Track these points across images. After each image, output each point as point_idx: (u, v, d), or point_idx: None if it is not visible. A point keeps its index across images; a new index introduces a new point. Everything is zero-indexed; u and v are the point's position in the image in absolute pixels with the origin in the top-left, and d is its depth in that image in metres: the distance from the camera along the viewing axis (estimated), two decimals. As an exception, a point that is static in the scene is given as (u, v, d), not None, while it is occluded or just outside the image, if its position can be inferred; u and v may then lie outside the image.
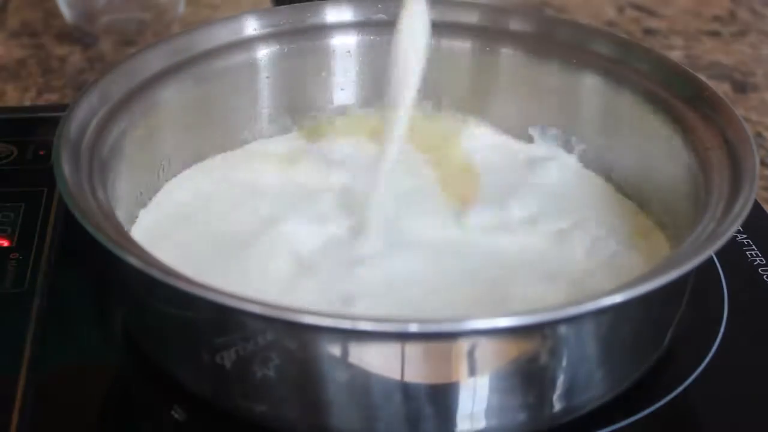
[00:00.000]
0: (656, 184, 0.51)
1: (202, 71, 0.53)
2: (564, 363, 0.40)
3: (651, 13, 0.85)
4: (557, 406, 0.41)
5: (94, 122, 0.46)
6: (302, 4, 0.56)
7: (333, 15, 0.56)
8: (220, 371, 0.40)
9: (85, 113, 0.46)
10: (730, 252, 0.51)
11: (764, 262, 0.52)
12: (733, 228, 0.40)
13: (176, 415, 0.43)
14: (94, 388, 0.45)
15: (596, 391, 0.42)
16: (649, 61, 0.52)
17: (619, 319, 0.41)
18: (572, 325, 0.39)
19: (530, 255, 0.48)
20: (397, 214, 0.49)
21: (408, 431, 0.40)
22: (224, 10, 0.80)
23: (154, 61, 0.51)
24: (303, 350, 0.39)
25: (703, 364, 0.46)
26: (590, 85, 0.54)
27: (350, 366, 0.39)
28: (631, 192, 0.52)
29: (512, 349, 0.39)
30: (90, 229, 0.39)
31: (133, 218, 0.49)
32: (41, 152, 0.58)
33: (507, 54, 0.56)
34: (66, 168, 0.42)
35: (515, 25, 0.56)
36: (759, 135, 0.68)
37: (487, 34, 0.56)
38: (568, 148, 0.55)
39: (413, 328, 0.37)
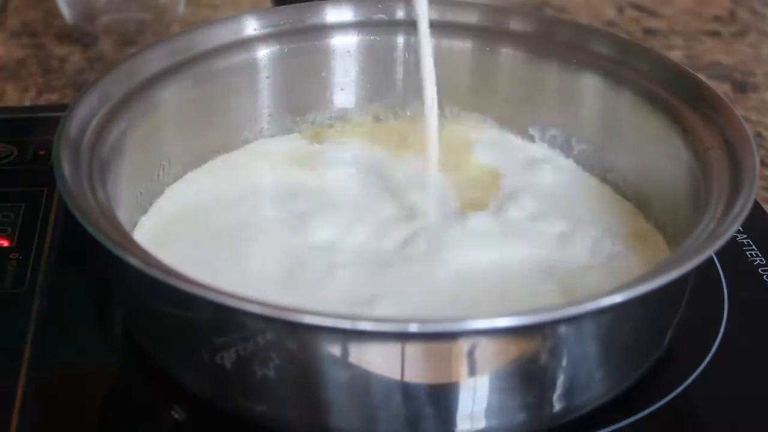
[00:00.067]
0: (656, 184, 0.51)
1: (202, 71, 0.53)
2: (564, 363, 0.40)
3: (651, 13, 0.85)
4: (557, 406, 0.41)
5: (94, 122, 0.46)
6: (302, 4, 0.56)
7: (333, 15, 0.56)
8: (220, 371, 0.40)
9: (85, 113, 0.46)
10: (730, 252, 0.51)
11: (764, 262, 0.52)
12: (733, 228, 0.40)
13: (176, 415, 0.43)
14: (94, 388, 0.45)
15: (596, 391, 0.42)
16: (649, 61, 0.52)
17: (619, 319, 0.41)
18: (572, 325, 0.39)
19: (531, 257, 0.48)
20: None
21: (408, 431, 0.40)
22: (224, 10, 0.80)
23: (154, 61, 0.51)
24: (303, 350, 0.39)
25: (703, 364, 0.46)
26: (590, 85, 0.54)
27: (350, 366, 0.39)
28: (631, 192, 0.52)
29: (512, 349, 0.39)
30: (90, 229, 0.39)
31: (134, 224, 0.49)
32: (41, 152, 0.58)
33: (507, 54, 0.56)
34: (66, 168, 0.42)
35: (515, 25, 0.56)
36: (759, 135, 0.68)
37: (487, 34, 0.56)
38: (568, 148, 0.55)
39: (413, 328, 0.37)
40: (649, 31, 0.82)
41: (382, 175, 0.53)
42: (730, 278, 0.50)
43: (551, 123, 0.55)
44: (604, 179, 0.54)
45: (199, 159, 0.54)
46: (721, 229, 0.41)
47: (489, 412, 0.40)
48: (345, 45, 0.56)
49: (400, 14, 0.57)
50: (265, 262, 0.47)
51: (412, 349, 0.39)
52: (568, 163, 0.55)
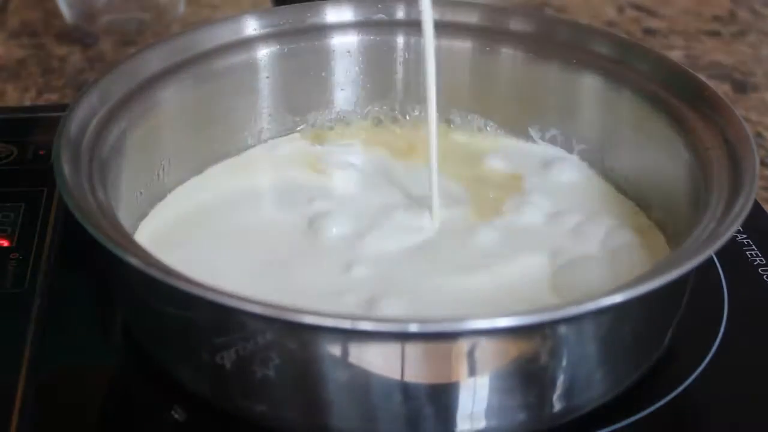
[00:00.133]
0: (656, 184, 0.51)
1: (202, 71, 0.53)
2: (564, 363, 0.40)
3: (651, 13, 0.85)
4: (557, 406, 0.41)
5: (94, 122, 0.46)
6: (302, 4, 0.56)
7: (333, 15, 0.56)
8: (220, 371, 0.40)
9: (85, 113, 0.46)
10: (730, 252, 0.51)
11: (764, 262, 0.52)
12: (733, 228, 0.40)
13: (176, 415, 0.43)
14: (94, 388, 0.45)
15: (596, 391, 0.42)
16: (649, 61, 0.52)
17: (619, 319, 0.41)
18: (572, 325, 0.39)
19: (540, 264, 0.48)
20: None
21: (408, 431, 0.40)
22: (224, 10, 0.81)
23: (154, 61, 0.51)
24: (303, 350, 0.39)
25: (703, 364, 0.45)
26: (590, 85, 0.54)
27: (350, 366, 0.39)
28: (631, 192, 0.52)
29: (512, 349, 0.39)
30: (90, 229, 0.39)
31: (135, 227, 0.49)
32: (41, 152, 0.58)
33: (507, 54, 0.56)
34: (66, 168, 0.42)
35: (515, 25, 0.56)
36: (759, 135, 0.68)
37: (487, 34, 0.56)
38: (568, 148, 0.55)
39: (413, 328, 0.37)
40: (649, 31, 0.82)
41: (386, 179, 0.53)
42: (730, 278, 0.50)
43: (551, 123, 0.55)
44: (608, 178, 0.54)
45: (200, 159, 0.54)
46: (721, 229, 0.41)
47: (489, 412, 0.40)
48: (345, 45, 0.56)
49: (400, 14, 0.57)
50: (266, 263, 0.47)
51: (412, 349, 0.39)
52: (574, 161, 0.55)
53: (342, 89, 0.57)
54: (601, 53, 0.53)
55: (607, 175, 0.54)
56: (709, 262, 0.50)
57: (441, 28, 0.52)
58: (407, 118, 0.57)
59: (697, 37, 0.81)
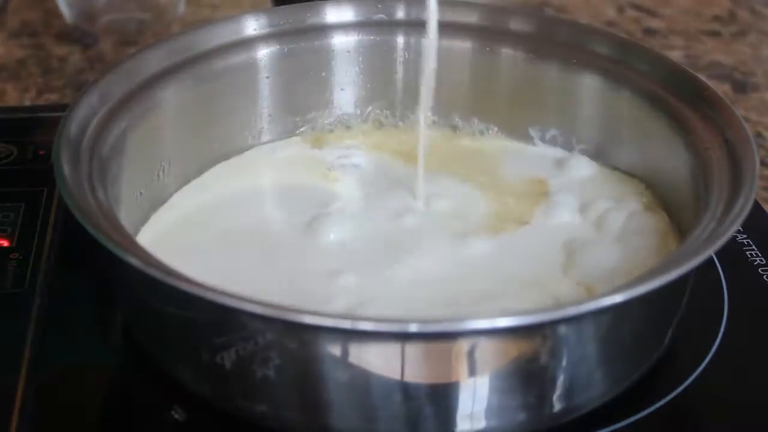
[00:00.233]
0: (656, 184, 0.51)
1: (202, 71, 0.53)
2: (564, 363, 0.40)
3: (651, 13, 0.85)
4: (557, 406, 0.41)
5: (94, 122, 0.46)
6: (302, 4, 0.56)
7: (333, 15, 0.56)
8: (220, 371, 0.40)
9: (85, 113, 0.46)
10: (730, 252, 0.51)
11: (764, 262, 0.52)
12: (733, 228, 0.40)
13: (176, 415, 0.43)
14: (94, 388, 0.45)
15: (596, 391, 0.42)
16: (649, 61, 0.52)
17: (619, 319, 0.41)
18: (572, 325, 0.39)
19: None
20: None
21: (408, 431, 0.40)
22: (224, 10, 0.80)
23: (154, 61, 0.51)
24: (303, 350, 0.39)
25: (703, 364, 0.45)
26: (590, 85, 0.54)
27: (350, 366, 0.39)
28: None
29: (512, 349, 0.39)
30: (90, 229, 0.39)
31: (136, 229, 0.49)
32: (41, 152, 0.58)
33: (507, 54, 0.56)
34: (66, 168, 0.42)
35: (515, 25, 0.56)
36: (759, 135, 0.68)
37: (487, 34, 0.56)
38: (568, 148, 0.55)
39: (413, 328, 0.37)
40: (649, 31, 0.82)
41: (387, 181, 0.53)
42: (730, 278, 0.50)
43: (551, 123, 0.55)
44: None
45: (200, 160, 0.54)
46: (721, 229, 0.41)
47: (489, 412, 0.40)
48: (345, 45, 0.56)
49: (400, 14, 0.57)
50: (258, 265, 0.47)
51: (412, 349, 0.39)
52: (586, 159, 0.55)
53: (342, 89, 0.57)
54: (601, 53, 0.53)
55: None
56: (709, 262, 0.50)
57: (441, 28, 0.52)
58: (407, 120, 0.57)
59: (697, 37, 0.81)
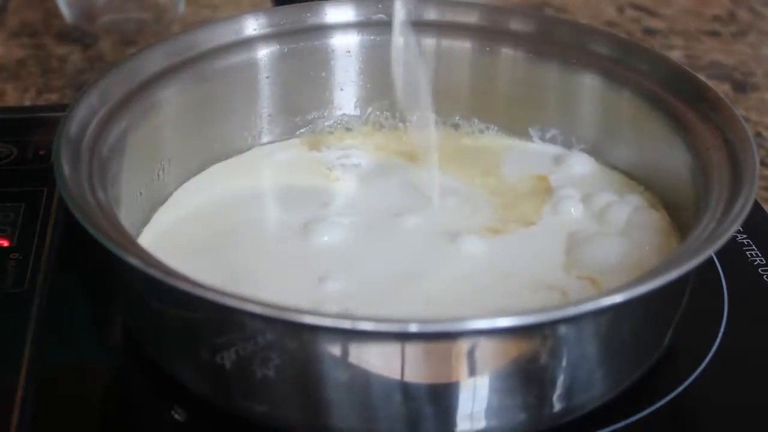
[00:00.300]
0: (656, 184, 0.51)
1: (202, 71, 0.53)
2: (564, 363, 0.40)
3: (651, 13, 0.85)
4: (557, 406, 0.41)
5: (94, 122, 0.46)
6: (302, 4, 0.56)
7: (333, 15, 0.56)
8: (220, 371, 0.40)
9: (85, 113, 0.46)
10: (730, 252, 0.51)
11: (764, 262, 0.52)
12: (733, 228, 0.40)
13: (176, 415, 0.43)
14: (94, 388, 0.45)
15: (596, 391, 0.42)
16: (649, 61, 0.52)
17: (619, 319, 0.41)
18: (572, 325, 0.39)
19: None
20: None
21: (408, 431, 0.40)
22: (224, 10, 0.80)
23: (154, 61, 0.51)
24: (303, 350, 0.39)
25: (703, 364, 0.45)
26: (590, 85, 0.54)
27: (350, 366, 0.39)
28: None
29: (512, 349, 0.39)
30: (90, 229, 0.39)
31: (136, 231, 0.49)
32: (41, 152, 0.58)
33: (507, 54, 0.56)
34: (66, 168, 0.42)
35: (515, 25, 0.56)
36: (759, 135, 0.68)
37: (487, 34, 0.56)
38: (568, 147, 0.55)
39: (413, 328, 0.37)
40: (649, 31, 0.82)
41: (386, 183, 0.53)
42: (730, 278, 0.50)
43: (551, 123, 0.55)
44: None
45: (200, 160, 0.54)
46: (721, 229, 0.41)
47: (489, 412, 0.40)
48: (345, 45, 0.56)
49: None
50: (252, 267, 0.47)
51: (412, 349, 0.39)
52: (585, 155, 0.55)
53: (342, 89, 0.57)
54: (601, 53, 0.53)
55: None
56: (709, 262, 0.50)
57: (441, 28, 0.52)
58: (407, 122, 0.57)
59: (697, 37, 0.81)
